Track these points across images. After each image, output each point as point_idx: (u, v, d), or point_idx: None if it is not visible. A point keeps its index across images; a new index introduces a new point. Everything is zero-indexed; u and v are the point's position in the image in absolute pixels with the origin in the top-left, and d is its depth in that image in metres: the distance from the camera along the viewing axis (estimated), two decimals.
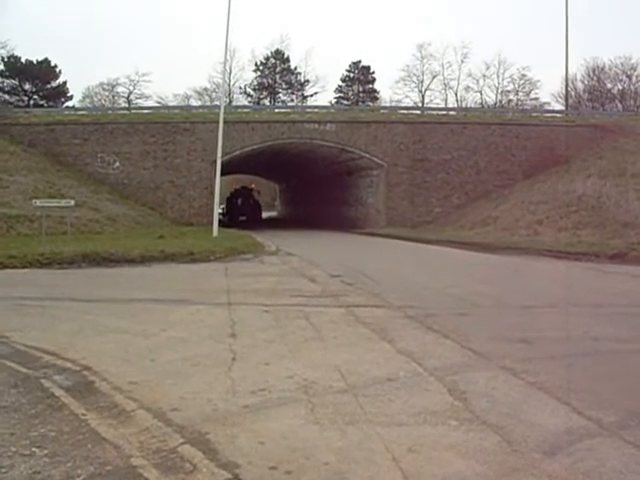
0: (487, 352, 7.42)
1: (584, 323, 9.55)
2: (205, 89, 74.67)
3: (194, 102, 70.91)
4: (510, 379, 6.34)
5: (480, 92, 74.95)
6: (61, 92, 70.53)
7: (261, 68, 77.64)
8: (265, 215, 61.64)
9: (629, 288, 14.36)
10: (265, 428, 4.97)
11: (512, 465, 4.29)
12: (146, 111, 47.83)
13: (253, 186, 57.72)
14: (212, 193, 31.48)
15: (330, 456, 4.43)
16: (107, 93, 75.26)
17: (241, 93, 76.76)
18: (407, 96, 74.69)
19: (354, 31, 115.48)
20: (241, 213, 52.79)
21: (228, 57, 57.51)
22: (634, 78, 69.05)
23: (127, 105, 65.88)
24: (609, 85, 70.53)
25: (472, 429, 4.94)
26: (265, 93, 78.24)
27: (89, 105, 68.48)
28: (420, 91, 75.40)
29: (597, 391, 5.98)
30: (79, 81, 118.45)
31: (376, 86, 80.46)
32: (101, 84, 74.69)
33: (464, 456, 4.43)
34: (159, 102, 67.93)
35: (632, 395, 5.92)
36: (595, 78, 70.46)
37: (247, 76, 77.80)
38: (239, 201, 54.46)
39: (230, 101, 68.27)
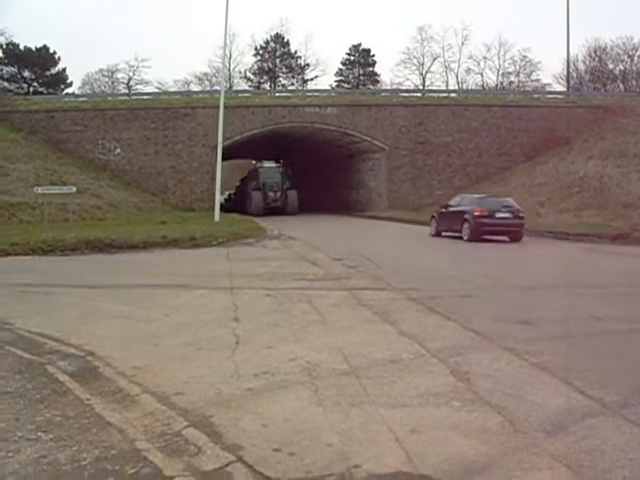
0: (490, 333, 7.44)
1: (586, 304, 9.57)
2: (205, 74, 74.43)
3: (194, 87, 70.71)
4: (513, 360, 6.36)
5: (481, 74, 74.67)
6: (60, 79, 70.29)
7: (261, 52, 77.31)
8: None
9: (631, 269, 14.37)
10: (268, 411, 4.99)
11: (514, 445, 4.31)
12: (146, 97, 47.75)
13: (282, 162, 43.68)
14: (213, 178, 31.46)
15: (334, 437, 4.45)
16: (107, 79, 75.00)
17: (241, 77, 76.55)
18: (408, 79, 74.47)
19: (354, 14, 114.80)
20: (265, 202, 40.99)
21: (228, 41, 57.32)
22: (636, 58, 68.62)
23: (127, 91, 65.69)
24: (611, 66, 70.07)
25: (475, 410, 4.95)
26: (265, 77, 77.93)
27: (89, 92, 68.12)
28: (421, 74, 75.09)
29: (599, 371, 6.00)
30: (78, 68, 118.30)
31: (377, 69, 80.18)
32: (101, 70, 74.42)
33: (467, 436, 4.45)
34: (159, 88, 67.68)
35: (634, 374, 5.95)
36: (596, 59, 70.01)
37: (247, 60, 77.77)
38: (264, 182, 41.26)
39: (230, 86, 68.02)
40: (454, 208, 23.39)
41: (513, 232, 21.49)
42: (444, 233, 23.64)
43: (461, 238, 21.69)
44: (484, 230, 21.22)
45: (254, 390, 5.49)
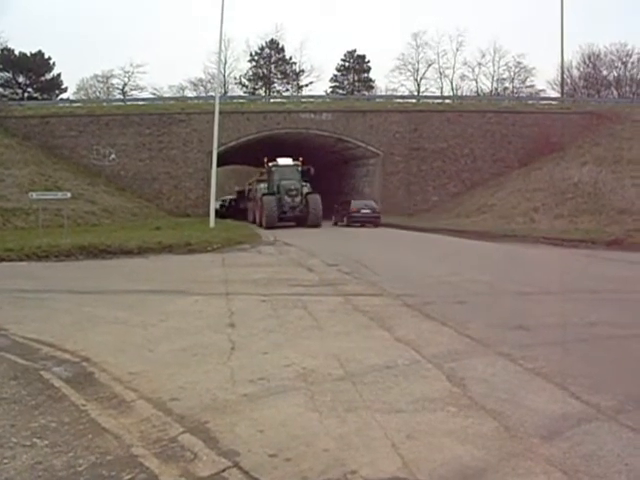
0: (485, 339, 7.44)
1: (581, 309, 9.58)
2: (200, 80, 74.59)
3: (189, 93, 70.84)
4: (508, 365, 6.36)
5: (476, 80, 74.94)
6: (55, 84, 70.26)
7: (256, 58, 77.40)
8: None
9: (626, 274, 14.40)
10: (264, 416, 4.98)
11: (510, 450, 4.31)
12: (141, 102, 47.81)
13: (301, 160, 35.63)
14: (208, 184, 31.55)
15: (330, 443, 4.45)
16: (102, 85, 75.06)
17: (236, 83, 76.67)
18: (403, 85, 74.72)
19: (349, 20, 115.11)
20: (280, 211, 33.15)
21: (223, 47, 57.40)
22: (629, 65, 69.06)
23: (122, 97, 65.72)
24: (605, 72, 70.47)
25: (470, 415, 4.96)
26: (260, 83, 78.04)
27: (84, 97, 68.18)
28: (416, 80, 75.39)
29: (594, 376, 6.01)
30: (73, 73, 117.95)
31: (371, 75, 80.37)
32: (95, 76, 74.49)
33: (463, 442, 4.45)
34: (154, 93, 67.70)
35: (629, 380, 5.95)
36: (591, 65, 70.39)
37: (242, 66, 77.71)
38: (278, 185, 33.95)
39: (225, 92, 68.08)
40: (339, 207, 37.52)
41: (373, 221, 34.73)
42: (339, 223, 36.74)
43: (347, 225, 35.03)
44: (353, 220, 34.91)
45: (250, 396, 5.48)
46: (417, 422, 4.82)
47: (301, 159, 35.44)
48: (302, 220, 33.58)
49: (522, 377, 5.97)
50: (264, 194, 34.06)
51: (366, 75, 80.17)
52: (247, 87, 76.80)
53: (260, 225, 33.29)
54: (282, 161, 35.28)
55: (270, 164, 35.08)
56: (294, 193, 33.69)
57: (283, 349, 7.11)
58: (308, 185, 35.14)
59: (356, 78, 79.93)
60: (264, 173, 36.79)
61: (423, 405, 5.19)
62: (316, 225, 32.87)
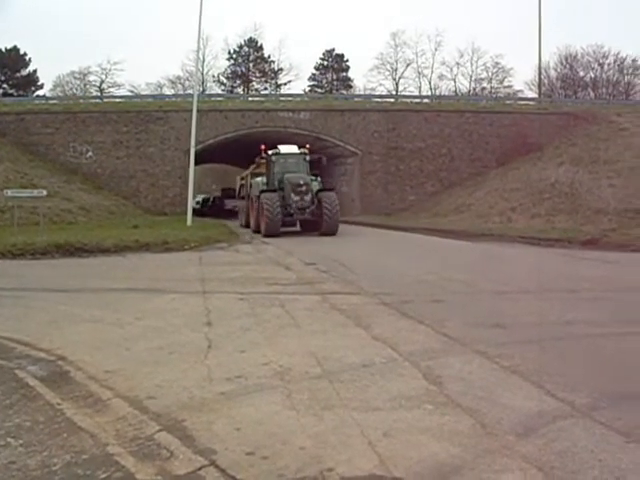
0: (462, 337, 7.47)
1: (558, 308, 9.66)
2: (178, 77, 74.24)
3: (167, 91, 70.32)
4: (485, 363, 6.39)
5: (454, 80, 75.21)
6: (31, 81, 69.76)
7: (234, 56, 77.28)
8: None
9: (602, 273, 14.51)
10: (241, 414, 4.98)
11: (486, 447, 4.34)
12: (119, 100, 47.55)
13: (307, 147, 28.84)
14: (186, 182, 31.40)
15: (306, 441, 4.45)
16: (78, 82, 74.28)
17: (214, 81, 76.47)
18: (381, 84, 74.79)
19: (328, 19, 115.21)
20: (285, 212, 25.52)
21: (201, 45, 57.40)
22: (606, 66, 69.81)
23: (99, 94, 65.27)
24: (581, 73, 71.18)
25: (447, 413, 4.98)
26: (239, 81, 77.92)
27: (60, 94, 67.52)
28: (394, 79, 75.50)
29: (570, 374, 6.05)
30: (50, 70, 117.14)
31: (350, 74, 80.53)
32: (72, 73, 73.60)
33: (439, 439, 4.47)
34: (132, 91, 67.23)
35: (604, 377, 6.01)
36: (568, 66, 71.08)
37: (220, 64, 77.46)
38: (281, 179, 26.49)
39: (203, 90, 67.85)
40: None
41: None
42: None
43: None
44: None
45: (227, 394, 5.47)
46: (394, 420, 4.83)
47: (308, 146, 28.84)
48: (312, 225, 26.19)
49: (498, 375, 6.01)
50: (263, 191, 25.95)
51: (345, 74, 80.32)
52: (225, 85, 76.65)
53: (256, 231, 26.30)
54: (285, 148, 28.10)
55: (270, 152, 27.41)
56: (303, 189, 25.63)
57: (260, 347, 7.10)
58: (319, 179, 27.70)
59: (335, 77, 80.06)
60: (260, 165, 29.72)
61: (400, 403, 5.20)
62: (332, 232, 25.11)
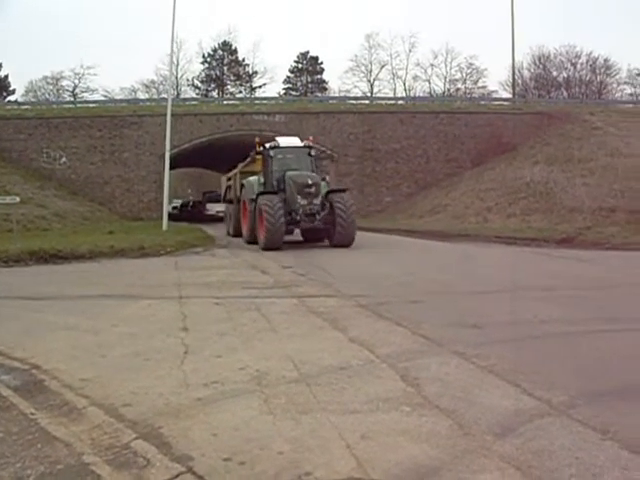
0: (439, 338, 7.48)
1: (534, 307, 9.69)
2: (152, 82, 73.91)
3: (141, 95, 69.96)
4: (462, 364, 6.40)
5: (428, 81, 75.51)
6: (3, 86, 69.18)
7: (209, 60, 77.09)
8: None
9: (577, 271, 14.62)
10: (218, 420, 4.94)
11: (464, 447, 4.33)
12: (92, 105, 47.33)
13: (310, 139, 24.51)
14: (161, 187, 31.22)
15: (284, 445, 4.42)
16: (51, 87, 73.66)
17: (189, 85, 76.24)
18: (356, 86, 74.91)
19: (302, 22, 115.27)
20: (290, 219, 20.91)
21: (175, 49, 57.04)
22: (578, 66, 70.69)
23: (72, 99, 64.75)
24: (555, 73, 72.00)
25: (425, 414, 4.97)
26: (213, 85, 77.72)
27: (33, 99, 66.91)
28: (369, 81, 75.68)
29: (546, 372, 6.07)
30: (22, 75, 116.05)
31: (325, 76, 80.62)
32: (45, 78, 72.99)
33: (417, 441, 4.46)
34: (105, 96, 66.85)
35: (580, 375, 6.03)
36: (541, 66, 71.86)
37: (194, 68, 77.26)
38: (282, 178, 21.78)
39: (178, 94, 67.61)
40: None
41: None
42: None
43: None
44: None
45: (204, 400, 5.42)
46: (371, 422, 4.82)
47: (311, 138, 24.71)
48: (317, 234, 22.22)
49: (475, 375, 6.01)
50: (260, 193, 21.33)
51: (319, 76, 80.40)
52: (200, 89, 76.44)
53: (250, 241, 22.17)
54: (285, 141, 23.65)
55: (267, 146, 22.95)
56: (312, 191, 20.89)
57: (237, 352, 7.06)
58: (327, 179, 23.83)
59: (309, 79, 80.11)
60: (255, 161, 24.72)
61: (377, 405, 5.18)
62: (347, 243, 20.63)
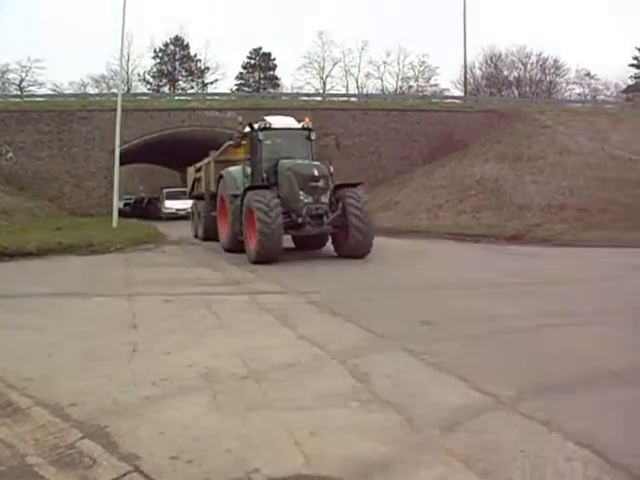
0: (389, 334, 7.52)
1: (484, 303, 9.84)
2: (103, 76, 72.57)
3: (91, 90, 68.80)
4: (411, 360, 6.45)
5: (381, 79, 75.75)
6: None
7: (160, 55, 76.24)
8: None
9: (527, 268, 14.83)
10: (166, 418, 4.90)
11: (412, 443, 4.37)
12: (40, 99, 46.29)
13: (307, 120, 19.39)
14: (111, 183, 30.77)
15: (232, 443, 4.40)
16: None
17: (140, 80, 75.16)
18: (308, 83, 74.79)
19: (255, 18, 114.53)
20: (289, 223, 16.01)
21: (126, 43, 56.14)
22: (529, 66, 71.87)
23: (19, 93, 63.47)
24: (506, 72, 73.06)
25: (374, 410, 5.00)
26: (165, 80, 76.87)
27: None
28: (321, 78, 75.63)
29: (494, 367, 6.17)
30: None
31: (277, 73, 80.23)
32: None
33: (366, 437, 4.48)
34: (54, 90, 65.56)
35: (528, 370, 6.12)
36: (492, 65, 72.81)
37: (146, 63, 76.25)
38: (276, 168, 16.94)
39: (128, 89, 66.61)
40: None
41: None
42: None
43: None
44: None
45: (151, 398, 5.37)
46: (320, 418, 4.83)
47: (308, 119, 19.61)
48: (316, 241, 18.05)
49: (425, 371, 6.07)
50: (249, 187, 16.69)
51: (272, 73, 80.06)
52: (151, 84, 75.50)
53: (230, 249, 17.98)
54: (277, 121, 18.87)
55: (255, 126, 17.99)
56: (320, 185, 16.35)
57: (186, 349, 7.01)
58: (331, 169, 17.51)
59: (262, 76, 79.74)
60: (239, 147, 19.30)
61: (326, 401, 5.19)
62: (363, 253, 16.29)
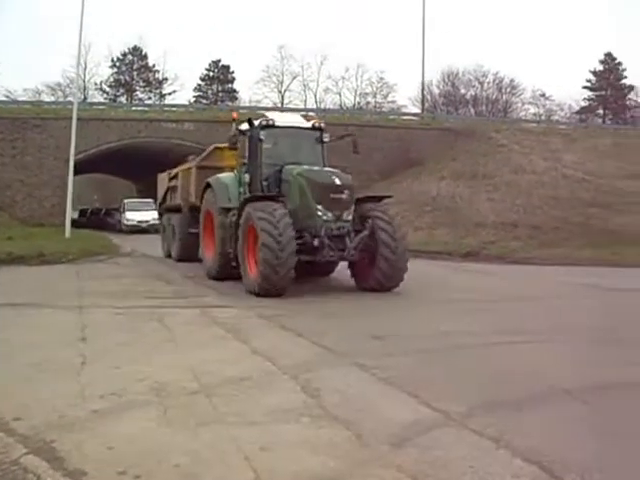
0: (341, 349, 7.53)
1: (437, 318, 9.93)
2: (58, 84, 71.55)
3: (46, 98, 67.71)
4: (362, 375, 6.46)
5: (339, 94, 76.14)
6: None
7: (118, 64, 75.60)
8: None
9: (481, 285, 15.01)
10: (114, 433, 4.81)
11: (362, 458, 4.37)
12: None
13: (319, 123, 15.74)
14: (65, 192, 30.34)
15: (181, 458, 4.35)
16: None
17: (96, 89, 74.31)
18: (267, 97, 74.88)
19: (214, 30, 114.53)
20: (309, 250, 12.45)
21: (83, 51, 55.68)
22: (485, 84, 73.27)
23: None
24: (463, 90, 74.22)
25: (324, 425, 4.99)
26: (122, 90, 76.23)
27: None
28: (280, 92, 75.77)
29: (445, 384, 6.20)
30: None
31: (236, 86, 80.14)
32: None
33: (316, 452, 4.46)
34: (7, 96, 64.54)
35: (479, 386, 6.17)
36: (450, 83, 73.93)
37: (103, 72, 75.39)
38: (284, 175, 13.50)
39: (85, 97, 66.00)
40: None
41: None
42: None
43: None
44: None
45: (100, 412, 5.28)
46: (271, 434, 4.80)
47: (317, 120, 17.07)
48: (329, 267, 15.01)
49: (375, 386, 6.09)
50: (250, 198, 13.24)
51: (230, 85, 79.97)
52: (108, 94, 74.82)
53: (217, 277, 14.47)
54: (282, 118, 15.74)
55: (256, 123, 14.30)
56: (344, 198, 13.03)
57: (137, 363, 6.91)
58: (350, 178, 13.79)
59: (220, 88, 79.58)
60: (216, 152, 18.06)
61: (277, 416, 5.17)
62: (396, 282, 13.03)
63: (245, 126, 14.47)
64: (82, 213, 51.92)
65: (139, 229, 38.29)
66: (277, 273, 11.71)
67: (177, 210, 20.21)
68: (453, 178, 33.26)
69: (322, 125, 15.53)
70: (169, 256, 20.55)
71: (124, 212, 41.63)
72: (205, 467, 4.22)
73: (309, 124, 15.39)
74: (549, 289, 14.19)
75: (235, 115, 15.89)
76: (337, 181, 12.97)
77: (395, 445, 4.57)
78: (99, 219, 48.05)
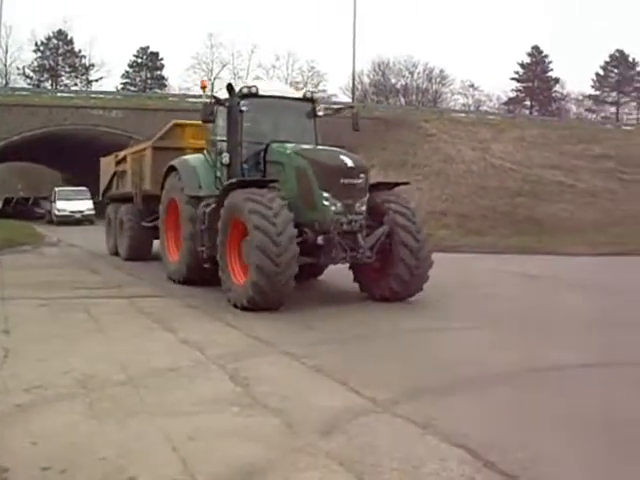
0: (270, 339, 7.54)
1: (366, 307, 9.99)
2: None
3: None
4: (292, 364, 6.49)
5: None
6: None
7: (42, 49, 73.76)
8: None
9: None
10: (39, 427, 4.72)
11: (291, 446, 4.38)
12: None
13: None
14: None
15: (108, 451, 4.28)
16: None
17: (19, 74, 72.47)
18: (196, 84, 74.05)
19: (143, 16, 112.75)
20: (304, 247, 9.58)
21: (3, 33, 54.10)
22: (416, 74, 74.15)
23: None
24: (393, 80, 74.97)
25: (253, 414, 4.99)
26: (46, 76, 74.46)
27: None
28: (210, 79, 75.10)
29: (374, 372, 6.27)
30: None
31: (165, 73, 79.27)
32: None
33: (245, 441, 4.46)
34: None
35: (405, 374, 6.25)
36: (380, 73, 74.56)
37: (26, 57, 73.51)
38: (289, 163, 10.46)
39: (6, 83, 64.25)
40: None
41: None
42: None
43: None
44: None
45: (23, 406, 5.16)
46: (199, 424, 4.77)
47: (307, 90, 13.71)
48: (318, 268, 12.30)
49: (305, 375, 6.13)
50: (235, 183, 10.28)
51: (159, 72, 79.02)
52: (32, 79, 72.98)
53: (186, 280, 11.97)
54: (268, 87, 12.56)
55: (242, 91, 11.22)
56: (358, 183, 10.18)
57: (62, 355, 6.78)
58: (362, 159, 11.55)
59: (149, 75, 78.56)
60: (177, 130, 16.10)
61: (206, 406, 5.15)
62: (412, 292, 10.60)
63: (223, 94, 11.54)
64: (7, 202, 50.28)
65: (72, 220, 35.89)
66: (274, 285, 9.17)
67: (126, 200, 17.32)
68: (383, 167, 33.49)
69: (314, 95, 13.06)
70: (116, 254, 17.68)
71: (55, 201, 38.43)
72: (132, 459, 4.17)
73: (299, 94, 12.71)
74: (476, 277, 14.46)
75: (205, 83, 13.83)
76: (349, 162, 10.25)
77: (324, 432, 4.60)
78: (26, 209, 46.23)
